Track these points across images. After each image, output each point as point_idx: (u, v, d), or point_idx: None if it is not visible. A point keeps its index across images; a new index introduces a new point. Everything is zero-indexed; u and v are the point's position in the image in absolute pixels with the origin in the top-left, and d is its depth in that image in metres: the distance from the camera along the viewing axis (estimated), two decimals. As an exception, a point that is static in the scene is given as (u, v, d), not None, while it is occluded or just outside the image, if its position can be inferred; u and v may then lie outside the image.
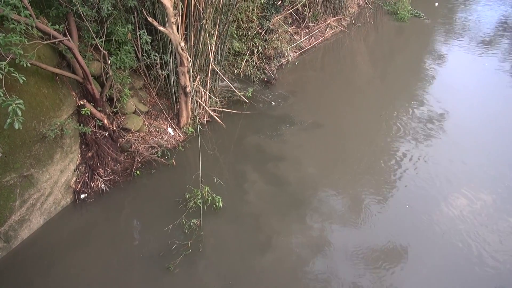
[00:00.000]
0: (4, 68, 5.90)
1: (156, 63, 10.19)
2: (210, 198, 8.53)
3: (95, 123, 8.79)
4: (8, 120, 5.80)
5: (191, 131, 11.04)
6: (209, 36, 10.26)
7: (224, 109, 11.96)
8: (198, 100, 11.03)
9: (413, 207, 9.10)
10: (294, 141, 11.15)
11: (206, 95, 11.29)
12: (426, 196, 9.34)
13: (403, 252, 8.05)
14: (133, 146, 9.75)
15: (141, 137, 10.06)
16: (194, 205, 8.38)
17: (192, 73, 9.93)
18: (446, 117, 12.68)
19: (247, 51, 14.04)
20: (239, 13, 13.47)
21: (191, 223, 8.09)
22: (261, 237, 8.14)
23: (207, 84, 11.35)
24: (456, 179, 9.92)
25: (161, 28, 8.36)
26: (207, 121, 11.58)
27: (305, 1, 16.50)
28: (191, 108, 10.82)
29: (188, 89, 9.99)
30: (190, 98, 10.37)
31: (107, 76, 8.82)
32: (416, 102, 13.53)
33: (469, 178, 9.97)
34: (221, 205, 8.55)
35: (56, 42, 7.42)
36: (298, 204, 9.02)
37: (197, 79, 10.78)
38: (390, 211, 8.86)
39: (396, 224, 8.46)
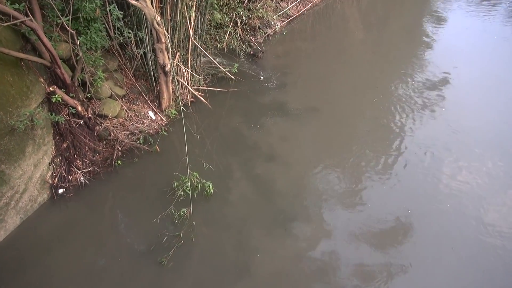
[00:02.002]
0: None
1: (131, 41, 10.06)
2: (199, 185, 8.60)
3: (68, 111, 8.70)
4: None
5: (174, 114, 11.01)
6: (187, 8, 10.15)
7: (208, 88, 11.95)
8: (180, 79, 10.97)
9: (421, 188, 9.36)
10: (285, 118, 11.23)
11: (188, 73, 11.24)
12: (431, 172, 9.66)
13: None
14: (112, 133, 9.70)
15: (120, 123, 10.00)
16: (183, 193, 8.42)
17: (171, 50, 9.81)
18: (448, 83, 12.85)
19: (230, 23, 13.91)
20: (219, -20, 13.37)
21: (181, 213, 8.16)
22: (258, 221, 8.27)
23: (188, 61, 11.27)
24: (457, 149, 10.28)
25: (132, 1, 8.22)
26: (191, 101, 11.55)
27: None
28: (172, 89, 10.76)
29: (167, 68, 9.91)
30: (171, 78, 10.31)
31: (77, 58, 8.70)
32: (415, 69, 13.65)
33: (471, 148, 10.34)
34: (212, 191, 8.65)
35: (18, 23, 7.24)
36: (295, 184, 9.23)
37: (177, 56, 10.70)
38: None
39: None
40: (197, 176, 8.69)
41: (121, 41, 9.94)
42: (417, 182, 9.36)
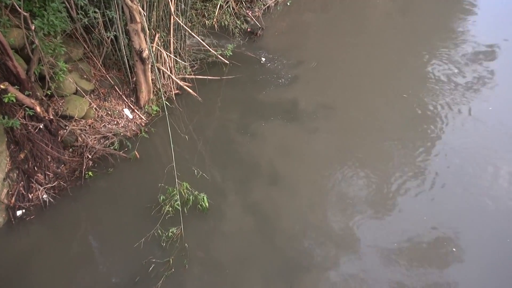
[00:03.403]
0: None
1: (98, 23, 9.99)
2: (191, 198, 8.66)
3: (25, 113, 8.62)
4: None
5: (156, 111, 11.04)
6: (166, -23, 10.19)
7: (197, 76, 11.96)
8: (161, 67, 10.97)
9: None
10: (291, 117, 11.28)
11: (171, 59, 11.25)
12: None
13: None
14: (80, 138, 9.74)
15: (89, 125, 10.03)
16: (171, 209, 8.49)
17: (148, 32, 9.77)
18: (495, 55, 12.89)
19: (221, -7, 13.91)
20: None
21: (170, 233, 8.22)
22: (258, 266, 8.24)
23: (170, 44, 11.25)
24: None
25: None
26: (175, 94, 11.59)
27: None
28: (152, 80, 10.76)
29: (145, 54, 9.90)
30: (150, 66, 10.31)
31: (33, 47, 8.64)
32: (455, 46, 13.65)
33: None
34: (207, 204, 8.72)
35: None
36: (303, 219, 9.13)
37: (156, 38, 10.70)
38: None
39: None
40: (188, 187, 8.73)
41: (86, 23, 9.87)
42: (458, 195, 9.48)
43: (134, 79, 10.74)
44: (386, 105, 11.79)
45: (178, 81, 11.39)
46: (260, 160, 10.13)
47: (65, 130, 9.59)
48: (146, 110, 11.04)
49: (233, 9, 13.86)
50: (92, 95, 10.41)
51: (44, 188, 9.01)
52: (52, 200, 9.01)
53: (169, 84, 11.43)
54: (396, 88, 12.37)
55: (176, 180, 8.34)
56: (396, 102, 11.92)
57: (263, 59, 13.05)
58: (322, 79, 12.67)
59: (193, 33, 11.90)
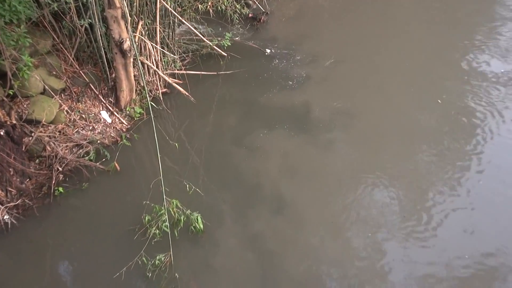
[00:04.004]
0: None
1: (70, 8, 9.84)
2: (182, 218, 8.46)
3: (-19, 117, 8.43)
4: None
5: (140, 113, 10.97)
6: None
7: (189, 72, 11.91)
8: (145, 61, 10.77)
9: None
10: (301, 124, 11.09)
11: (158, 51, 11.13)
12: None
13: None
14: (48, 147, 9.52)
15: (60, 132, 9.86)
16: (158, 231, 8.25)
17: (130, 18, 9.66)
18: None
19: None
20: None
21: (157, 261, 7.96)
22: (264, 280, 8.16)
23: (156, 33, 11.10)
24: None
25: None
26: (163, 93, 11.50)
27: None
28: (135, 76, 10.65)
29: (126, 45, 9.75)
30: (132, 59, 10.16)
31: (-9, 38, 8.56)
32: (500, 30, 13.46)
33: None
34: (201, 226, 8.52)
35: None
36: (315, 263, 8.61)
37: (139, 26, 10.50)
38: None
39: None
40: (179, 204, 8.46)
41: (56, 8, 9.75)
42: (503, 221, 9.11)
43: (113, 75, 10.62)
44: (417, 112, 11.50)
45: (166, 78, 11.21)
46: (262, 180, 9.87)
47: (30, 138, 9.41)
48: (128, 112, 10.91)
49: (232, -11, 13.66)
50: (62, 95, 10.28)
51: (6, 208, 8.74)
52: (15, 221, 8.79)
53: (155, 81, 11.35)
54: (429, 91, 12.08)
55: (164, 196, 8.07)
56: (429, 108, 11.58)
57: (268, 50, 12.98)
58: (340, 78, 12.41)
59: (183, 20, 11.76)
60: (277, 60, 12.77)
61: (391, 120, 11.28)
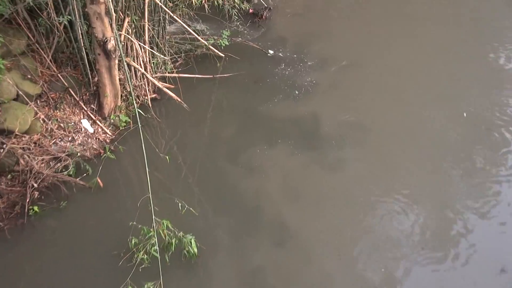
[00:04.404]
0: None
1: (47, 4, 9.56)
2: (174, 241, 8.23)
3: None
4: None
5: (126, 122, 10.81)
6: None
7: (181, 75, 11.77)
8: (132, 63, 10.59)
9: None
10: (308, 142, 10.90)
11: (146, 52, 10.99)
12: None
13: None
14: (22, 160, 9.31)
15: (35, 143, 9.65)
16: (146, 256, 8.03)
17: (115, 15, 9.29)
18: None
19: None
20: None
21: None
22: None
23: (144, 31, 10.95)
24: None
25: None
26: (152, 99, 11.35)
27: None
28: (120, 80, 10.47)
29: (110, 45, 9.55)
30: (117, 61, 10.00)
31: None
32: None
33: None
34: (195, 250, 8.31)
35: None
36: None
37: (126, 23, 10.34)
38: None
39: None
40: (170, 226, 8.22)
41: (31, 4, 9.54)
42: None
43: (96, 79, 10.46)
44: (441, 125, 11.31)
45: (156, 82, 11.06)
46: (262, 203, 9.64)
47: (1, 150, 9.21)
48: (112, 121, 10.73)
49: (230, -19, 13.67)
50: (38, 102, 10.12)
51: (-28, 230, 8.67)
52: (-18, 245, 8.64)
53: (144, 85, 11.19)
54: (454, 100, 11.92)
55: (153, 217, 7.91)
56: (455, 121, 11.41)
57: (271, 51, 12.83)
58: (352, 85, 12.17)
59: (175, 16, 11.55)
60: (281, 63, 12.59)
61: (411, 135, 11.11)
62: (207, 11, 12.84)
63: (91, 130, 10.39)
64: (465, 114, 11.55)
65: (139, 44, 10.78)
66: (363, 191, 9.90)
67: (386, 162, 10.52)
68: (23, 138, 9.58)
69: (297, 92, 12.00)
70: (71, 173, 9.56)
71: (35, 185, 9.21)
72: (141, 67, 10.92)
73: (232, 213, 9.49)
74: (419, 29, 14.06)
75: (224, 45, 12.27)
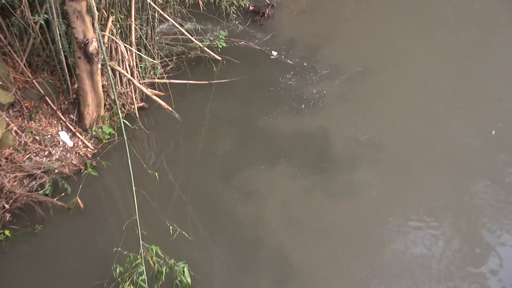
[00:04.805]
0: None
1: (21, 1, 9.44)
2: (164, 269, 8.02)
3: None
4: None
5: (110, 134, 10.68)
6: None
7: (172, 80, 11.70)
8: (116, 67, 10.47)
9: None
10: (317, 155, 10.84)
11: (133, 55, 10.91)
12: None
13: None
14: None
15: (7, 158, 9.53)
16: (132, 287, 7.80)
17: (98, 13, 9.26)
18: None
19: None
20: None
21: None
22: None
23: (131, 32, 10.88)
24: None
25: None
26: (140, 108, 11.26)
27: None
28: (103, 87, 10.41)
29: (92, 47, 9.35)
30: (99, 65, 9.86)
31: None
32: None
33: None
34: (189, 280, 8.08)
35: None
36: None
37: (110, 23, 10.16)
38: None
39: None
40: (159, 252, 8.07)
41: (2, 1, 9.40)
42: None
43: (76, 86, 10.38)
44: (467, 145, 11.12)
45: (144, 89, 10.89)
46: (262, 233, 9.46)
47: None
48: (94, 133, 10.62)
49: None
50: (11, 112, 10.03)
51: None
52: None
53: (130, 93, 11.08)
54: (481, 115, 11.74)
55: (141, 242, 7.84)
56: (483, 140, 11.20)
57: (275, 53, 12.90)
58: (368, 95, 12.06)
59: (166, 15, 11.57)
60: (286, 68, 12.47)
61: (433, 156, 10.90)
62: (201, 9, 12.90)
63: (70, 143, 10.29)
64: (493, 132, 11.36)
65: (125, 46, 10.71)
66: (377, 220, 9.74)
67: (404, 188, 10.28)
68: (-7, 154, 9.50)
69: (303, 105, 11.85)
70: (47, 192, 9.39)
71: (7, 206, 9.06)
72: (127, 72, 10.86)
73: (230, 241, 9.37)
74: (445, 30, 14.01)
75: (221, 46, 12.24)
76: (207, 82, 11.94)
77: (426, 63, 12.91)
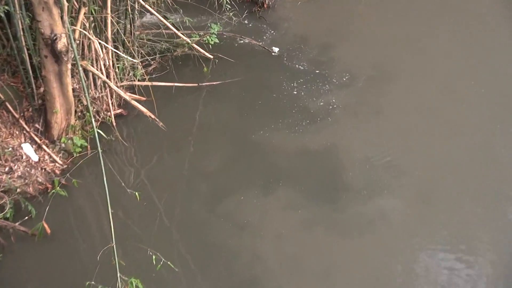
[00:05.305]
0: None
1: None
2: None
3: None
4: None
5: (81, 146, 10.60)
6: None
7: (156, 83, 11.70)
8: (90, 67, 10.38)
9: None
10: (326, 182, 10.50)
11: (109, 53, 10.90)
12: None
13: None
14: None
15: None
16: None
17: (67, 4, 9.17)
18: None
19: None
20: None
21: None
22: None
23: (107, 26, 10.87)
24: None
25: None
26: (117, 116, 11.22)
27: None
28: (74, 90, 10.26)
29: (61, 44, 9.12)
30: (70, 66, 9.67)
31: None
32: None
33: None
34: None
35: None
36: None
37: (82, 16, 10.08)
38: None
39: None
40: (140, 285, 7.77)
41: None
42: None
43: (42, 89, 10.20)
44: (503, 167, 10.74)
45: (122, 93, 10.82)
46: (259, 273, 9.10)
47: None
48: (64, 145, 10.45)
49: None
50: None
51: None
52: None
53: (105, 98, 11.05)
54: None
55: (118, 274, 7.48)
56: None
57: (276, 49, 12.89)
58: (386, 105, 11.85)
59: (147, 5, 11.60)
60: (289, 71, 12.30)
61: (464, 182, 10.47)
62: (190, -1, 12.77)
63: (35, 157, 10.14)
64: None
65: (100, 43, 10.66)
66: (392, 264, 9.32)
67: (427, 222, 9.82)
68: None
69: (309, 115, 11.48)
70: (8, 215, 9.18)
71: (-40, 230, 8.91)
72: (102, 73, 10.84)
73: (223, 279, 9.05)
74: (473, 27, 13.88)
75: (212, 43, 12.19)
76: (196, 84, 11.90)
77: (456, 67, 12.84)
